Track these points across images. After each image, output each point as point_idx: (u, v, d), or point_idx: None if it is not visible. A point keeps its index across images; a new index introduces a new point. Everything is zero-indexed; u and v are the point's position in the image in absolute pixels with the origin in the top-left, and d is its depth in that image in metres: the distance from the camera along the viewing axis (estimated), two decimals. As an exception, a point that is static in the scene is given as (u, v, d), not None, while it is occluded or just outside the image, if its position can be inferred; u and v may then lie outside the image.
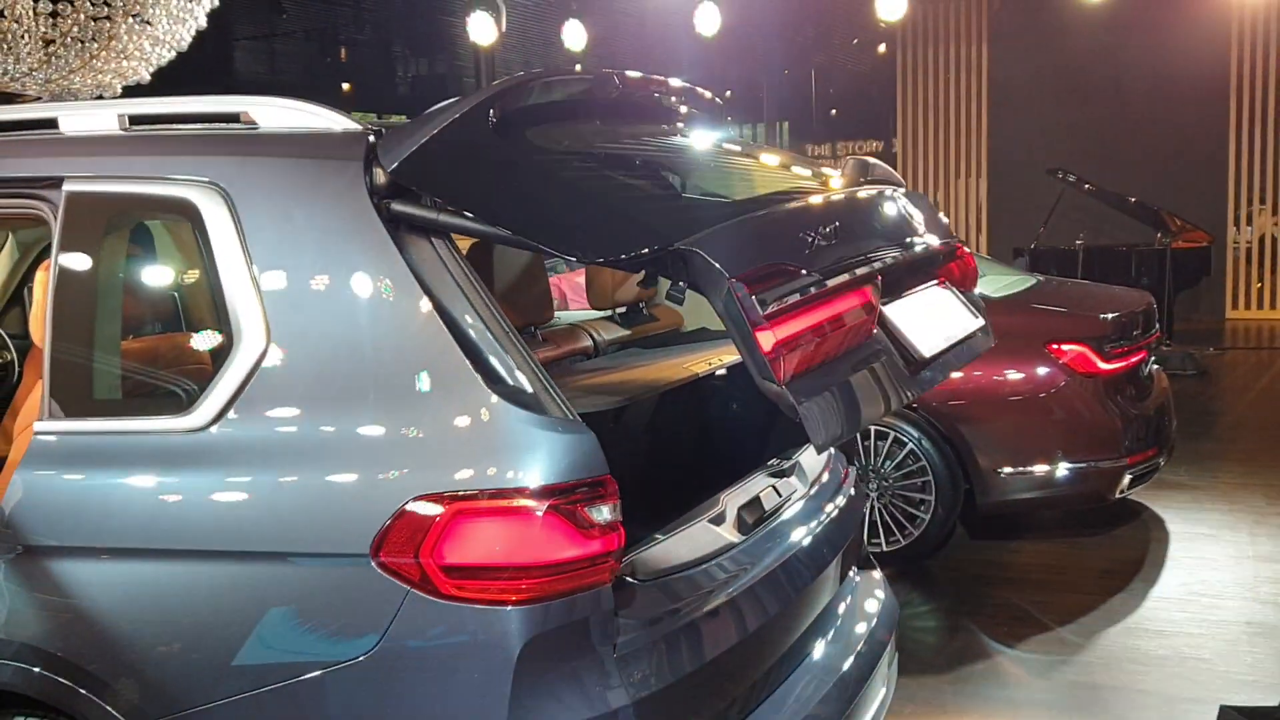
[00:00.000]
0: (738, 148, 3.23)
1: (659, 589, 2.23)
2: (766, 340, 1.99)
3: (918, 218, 2.87)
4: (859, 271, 2.34)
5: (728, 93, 27.52)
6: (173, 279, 2.89)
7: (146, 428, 2.29)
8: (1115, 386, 5.55)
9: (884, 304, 2.55)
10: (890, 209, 2.77)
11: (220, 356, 2.24)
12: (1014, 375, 5.51)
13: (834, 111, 27.87)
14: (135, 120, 2.55)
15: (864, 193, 2.78)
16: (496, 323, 2.14)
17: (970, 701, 4.18)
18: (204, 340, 2.52)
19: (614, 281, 2.90)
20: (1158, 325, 6.17)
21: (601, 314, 2.92)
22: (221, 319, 2.26)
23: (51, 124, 2.62)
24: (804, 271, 2.16)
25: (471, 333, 2.11)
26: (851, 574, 3.21)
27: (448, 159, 2.19)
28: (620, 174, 2.53)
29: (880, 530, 5.63)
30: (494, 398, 2.05)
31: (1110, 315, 5.62)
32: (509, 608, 2.01)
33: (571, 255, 2.14)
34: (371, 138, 2.27)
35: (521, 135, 2.34)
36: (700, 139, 3.07)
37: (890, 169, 3.13)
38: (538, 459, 2.02)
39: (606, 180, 2.38)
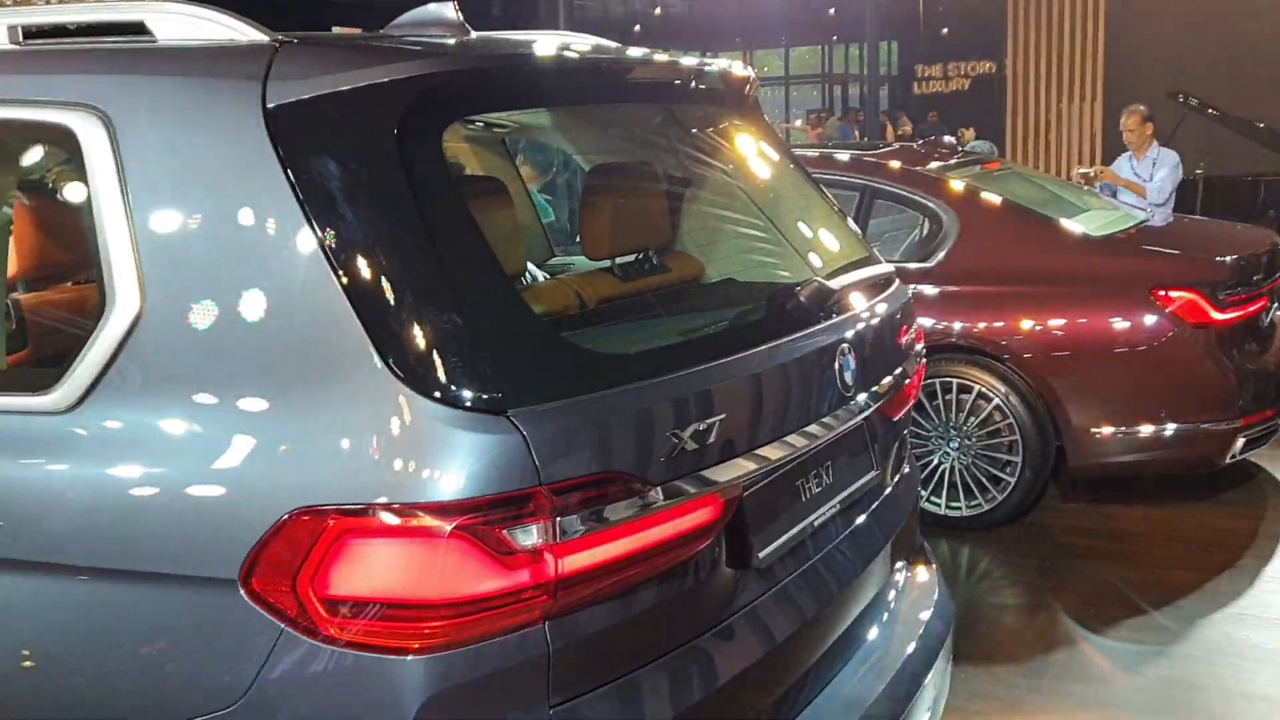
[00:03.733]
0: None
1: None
2: None
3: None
4: None
5: (831, 11, 26.47)
6: (51, 225, 2.50)
7: (2, 406, 1.91)
8: (1230, 338, 4.96)
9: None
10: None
11: (91, 323, 1.83)
12: (1114, 325, 4.95)
13: (945, 30, 26.68)
14: (29, 34, 2.14)
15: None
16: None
17: (1047, 699, 3.69)
18: (75, 301, 2.13)
19: (612, 222, 2.43)
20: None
21: (598, 265, 2.46)
22: (95, 276, 1.86)
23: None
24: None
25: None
26: (900, 566, 2.73)
27: (340, 135, 1.78)
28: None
29: (960, 493, 5.18)
30: (396, 385, 1.62)
31: (1227, 258, 5.01)
32: (408, 657, 1.59)
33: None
34: (277, 50, 1.84)
35: (435, 139, 1.88)
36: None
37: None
38: (444, 465, 1.58)
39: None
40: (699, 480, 1.84)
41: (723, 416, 1.90)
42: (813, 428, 2.16)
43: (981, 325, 5.10)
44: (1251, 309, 5.04)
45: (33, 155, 2.34)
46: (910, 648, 2.53)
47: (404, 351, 1.64)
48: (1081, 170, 8.29)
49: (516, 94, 2.17)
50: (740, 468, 1.94)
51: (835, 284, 2.38)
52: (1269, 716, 3.54)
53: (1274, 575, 4.56)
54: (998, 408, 5.08)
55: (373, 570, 1.60)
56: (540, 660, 1.67)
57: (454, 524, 1.57)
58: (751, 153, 2.77)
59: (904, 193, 5.51)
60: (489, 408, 1.62)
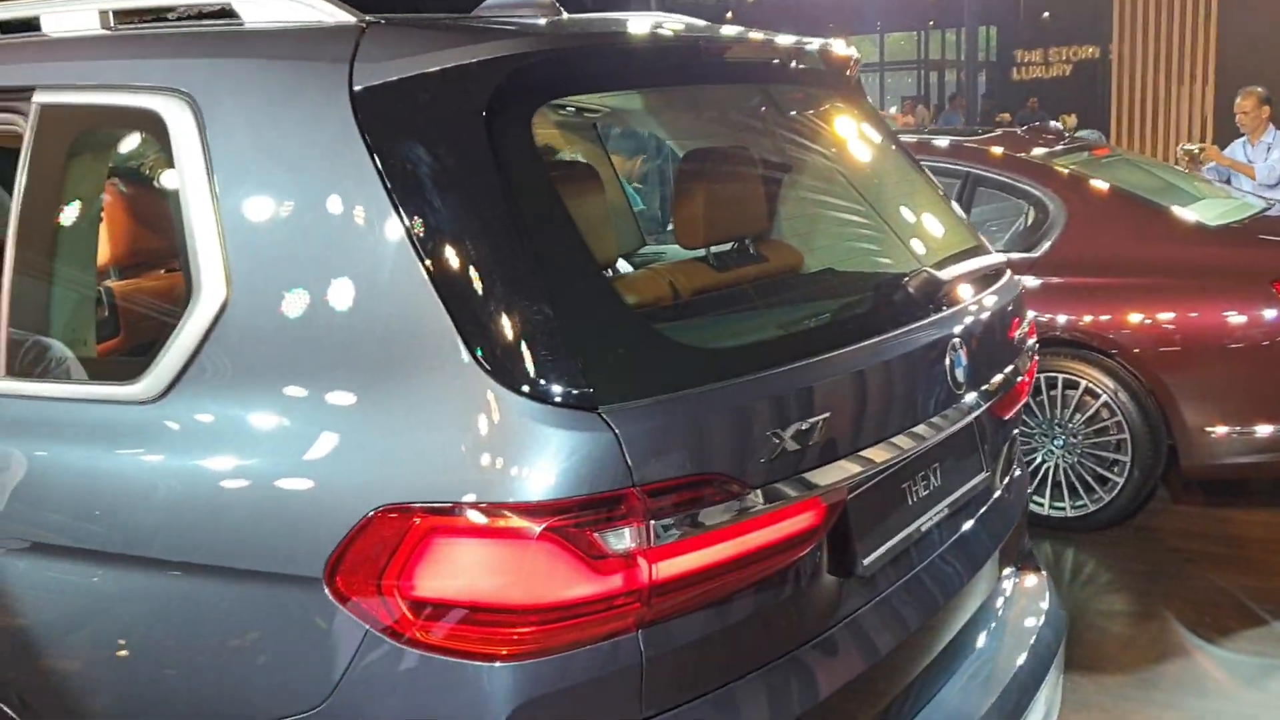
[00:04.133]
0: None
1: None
2: None
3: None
4: None
5: (928, -4, 25.99)
6: (142, 212, 2.47)
7: (88, 395, 1.88)
8: (1359, 334, 4.67)
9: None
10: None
11: (178, 311, 1.79)
12: (1232, 319, 4.72)
13: (1046, 14, 26.05)
14: (120, 17, 2.12)
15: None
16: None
17: (1161, 712, 3.52)
18: (165, 289, 2.09)
19: (707, 209, 2.33)
20: None
21: (691, 255, 2.36)
22: (182, 264, 1.82)
23: (34, 25, 2.22)
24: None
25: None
26: (1009, 573, 2.59)
27: (426, 118, 1.72)
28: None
29: (1065, 493, 4.99)
30: (484, 379, 1.54)
31: (1355, 248, 4.73)
32: (496, 663, 1.51)
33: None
34: (364, 31, 1.78)
35: (523, 125, 1.79)
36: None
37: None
38: (533, 463, 1.50)
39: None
40: (800, 483, 1.74)
41: (826, 416, 1.79)
42: (920, 428, 2.04)
43: (1089, 318, 4.90)
44: (1381, 302, 4.77)
45: (123, 141, 2.32)
46: (1020, 659, 2.39)
47: (492, 344, 1.56)
48: (1185, 146, 7.88)
49: (608, 75, 2.07)
50: (844, 470, 1.83)
51: (943, 275, 2.25)
52: (1403, 737, 3.33)
53: (1405, 585, 4.32)
54: (1105, 404, 4.88)
55: (459, 571, 1.53)
56: (632, 670, 1.58)
57: (543, 525, 1.49)
58: (853, 136, 2.65)
59: (1008, 180, 5.32)
60: (579, 403, 1.54)
